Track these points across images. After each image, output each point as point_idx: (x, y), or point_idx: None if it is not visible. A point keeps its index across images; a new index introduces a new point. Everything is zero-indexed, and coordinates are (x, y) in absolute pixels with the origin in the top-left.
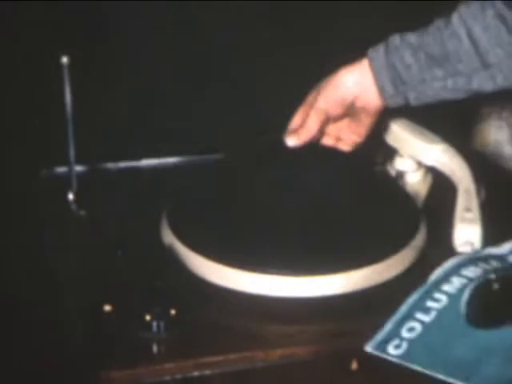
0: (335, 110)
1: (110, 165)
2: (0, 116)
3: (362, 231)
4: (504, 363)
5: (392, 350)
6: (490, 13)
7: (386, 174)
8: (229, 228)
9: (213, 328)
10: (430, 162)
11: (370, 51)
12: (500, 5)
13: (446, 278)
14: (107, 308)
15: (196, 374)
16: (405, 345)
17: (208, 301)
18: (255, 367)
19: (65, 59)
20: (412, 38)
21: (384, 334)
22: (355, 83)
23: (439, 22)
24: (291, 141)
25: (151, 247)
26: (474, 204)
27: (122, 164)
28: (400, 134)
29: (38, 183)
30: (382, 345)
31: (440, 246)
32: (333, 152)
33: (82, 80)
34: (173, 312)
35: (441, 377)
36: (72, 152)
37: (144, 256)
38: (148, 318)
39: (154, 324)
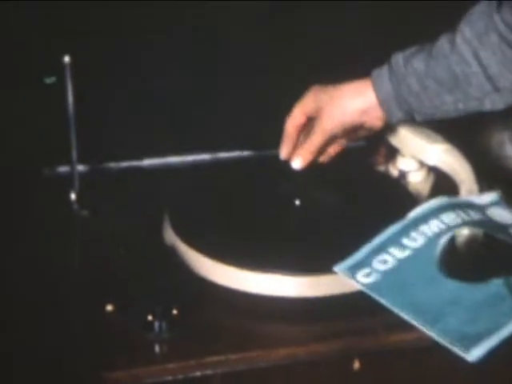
0: (340, 132)
1: (112, 164)
2: (2, 115)
3: (363, 231)
4: (467, 319)
5: (361, 278)
6: (494, 38)
7: (388, 174)
8: (230, 228)
9: (214, 328)
10: (432, 161)
11: (375, 76)
12: (503, 28)
13: (424, 218)
14: (109, 308)
15: (198, 374)
16: (375, 275)
17: (210, 301)
18: (257, 367)
19: (67, 59)
20: (417, 63)
21: (355, 259)
22: (362, 112)
23: (443, 45)
24: (296, 164)
25: (153, 247)
26: None
27: (124, 164)
28: (402, 134)
29: (40, 183)
30: (352, 270)
31: None
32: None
33: (84, 79)
34: (175, 312)
35: (403, 316)
36: (74, 152)
37: (146, 256)
38: (150, 317)
39: (156, 324)
